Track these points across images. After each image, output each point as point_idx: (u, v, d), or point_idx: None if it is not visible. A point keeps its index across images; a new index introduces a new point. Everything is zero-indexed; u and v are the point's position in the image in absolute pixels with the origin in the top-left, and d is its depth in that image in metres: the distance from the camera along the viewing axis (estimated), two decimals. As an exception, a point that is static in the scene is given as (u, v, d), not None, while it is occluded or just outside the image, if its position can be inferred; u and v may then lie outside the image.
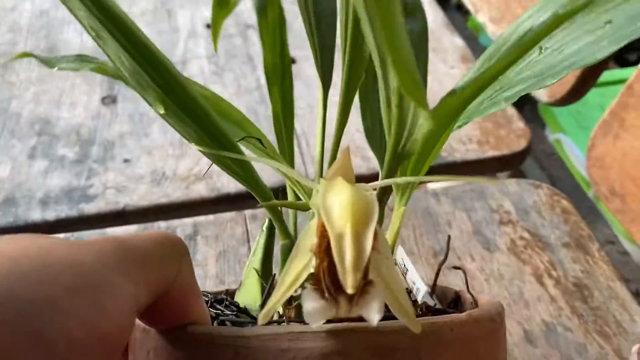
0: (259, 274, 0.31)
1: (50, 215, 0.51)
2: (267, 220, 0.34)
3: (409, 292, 0.30)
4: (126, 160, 0.57)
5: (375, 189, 0.22)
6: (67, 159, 0.57)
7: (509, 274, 0.47)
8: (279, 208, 0.24)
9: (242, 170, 0.23)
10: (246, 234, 0.50)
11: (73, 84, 0.67)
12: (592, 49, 0.18)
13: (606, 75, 0.84)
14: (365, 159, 0.57)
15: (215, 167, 0.59)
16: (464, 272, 0.30)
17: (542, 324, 0.43)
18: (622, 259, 0.56)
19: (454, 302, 0.31)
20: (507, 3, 0.67)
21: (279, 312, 0.27)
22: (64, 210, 0.52)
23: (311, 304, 0.19)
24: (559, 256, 0.48)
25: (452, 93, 0.18)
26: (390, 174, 0.23)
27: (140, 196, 0.53)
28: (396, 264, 0.31)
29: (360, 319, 0.19)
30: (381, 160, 0.32)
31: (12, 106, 0.63)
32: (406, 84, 0.15)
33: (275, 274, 0.31)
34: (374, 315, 0.19)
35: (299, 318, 0.25)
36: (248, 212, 0.51)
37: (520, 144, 0.56)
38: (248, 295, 0.31)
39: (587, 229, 0.50)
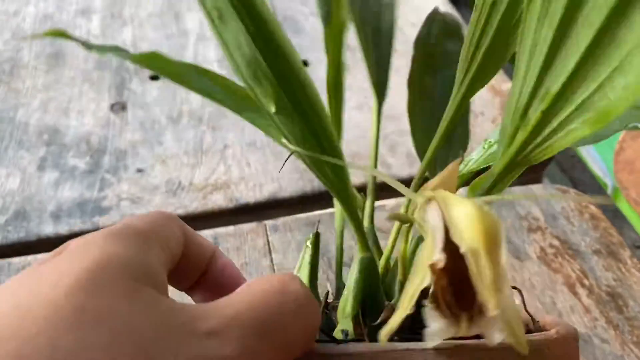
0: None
1: (63, 229, 0.50)
2: (311, 235, 0.32)
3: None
4: (140, 170, 0.55)
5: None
6: (78, 169, 0.55)
7: (540, 283, 0.45)
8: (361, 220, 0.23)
9: (336, 177, 0.22)
10: (267, 245, 0.48)
11: (81, 90, 0.65)
12: None
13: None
14: (385, 166, 0.56)
15: (233, 175, 0.57)
16: (520, 292, 0.29)
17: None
18: (651, 264, 0.54)
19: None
20: None
21: (345, 331, 0.25)
22: (77, 224, 0.50)
23: (434, 323, 0.18)
24: (591, 264, 0.47)
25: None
26: (498, 180, 0.21)
27: (156, 207, 0.51)
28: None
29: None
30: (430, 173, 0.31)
31: (19, 115, 0.61)
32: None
33: (328, 291, 0.30)
34: (495, 335, 0.18)
35: (371, 336, 0.24)
36: (269, 223, 0.49)
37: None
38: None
39: (617, 235, 0.49)
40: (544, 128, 0.19)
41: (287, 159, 0.29)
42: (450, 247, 0.18)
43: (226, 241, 0.48)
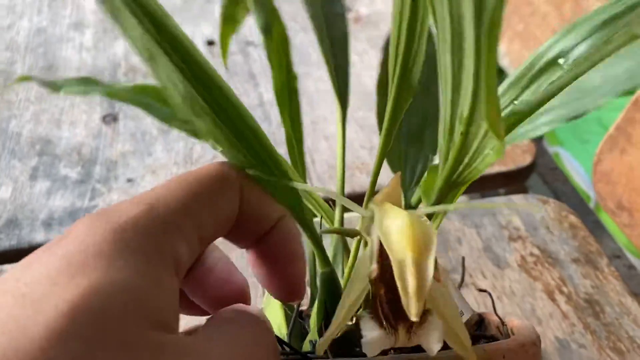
0: (282, 301, 0.31)
1: (55, 236, 0.50)
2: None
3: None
4: (130, 180, 0.56)
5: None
6: (70, 179, 0.56)
7: (520, 290, 0.46)
8: (320, 235, 0.24)
9: (288, 196, 0.22)
10: (255, 253, 0.49)
11: (72, 103, 0.66)
12: (635, 73, 0.18)
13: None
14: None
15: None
16: (490, 295, 0.30)
17: (556, 341, 0.43)
18: (629, 272, 0.56)
19: (477, 324, 0.31)
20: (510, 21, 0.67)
21: (313, 341, 0.26)
22: (68, 232, 0.51)
23: (370, 333, 0.19)
24: (569, 272, 0.48)
25: (505, 119, 0.18)
26: (438, 200, 0.22)
27: (146, 216, 0.52)
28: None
29: (414, 349, 0.19)
30: (403, 184, 0.32)
31: (12, 126, 0.62)
32: (490, 115, 0.15)
33: (299, 303, 0.30)
34: (434, 345, 0.19)
35: (335, 348, 0.25)
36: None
37: (526, 160, 0.56)
38: (271, 323, 0.30)
39: (595, 244, 0.50)
40: (468, 150, 0.20)
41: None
42: (383, 259, 0.19)
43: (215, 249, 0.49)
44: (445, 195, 0.22)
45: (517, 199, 0.53)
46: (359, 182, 0.56)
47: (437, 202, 0.23)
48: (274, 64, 0.23)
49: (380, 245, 0.19)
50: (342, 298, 0.19)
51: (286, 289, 0.22)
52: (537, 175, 0.64)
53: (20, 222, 0.52)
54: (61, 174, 0.57)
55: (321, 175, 0.58)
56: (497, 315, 0.29)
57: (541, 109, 0.20)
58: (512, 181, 0.58)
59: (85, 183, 0.56)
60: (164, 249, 0.17)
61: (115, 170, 0.57)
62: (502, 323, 0.29)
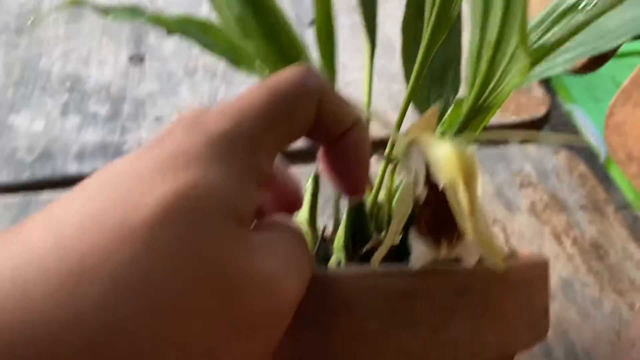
0: (308, 225, 0.33)
1: (87, 168, 0.53)
2: (310, 179, 0.35)
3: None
4: (158, 119, 0.58)
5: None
6: (100, 116, 0.58)
7: (529, 233, 0.49)
8: None
9: None
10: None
11: (100, 42, 0.67)
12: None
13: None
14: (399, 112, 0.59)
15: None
16: (505, 230, 0.32)
17: (560, 280, 0.46)
18: (635, 224, 0.58)
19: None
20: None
21: (338, 260, 0.29)
22: (100, 165, 0.53)
23: (418, 249, 0.21)
24: (577, 218, 0.50)
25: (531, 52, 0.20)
26: (463, 127, 0.24)
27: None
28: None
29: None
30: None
31: (42, 63, 0.64)
32: (523, 38, 0.17)
33: (325, 226, 0.33)
34: (471, 257, 0.21)
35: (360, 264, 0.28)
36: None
37: (540, 111, 0.58)
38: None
39: (603, 193, 0.52)
40: (494, 75, 0.22)
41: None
42: (430, 183, 0.22)
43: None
44: (470, 121, 0.24)
45: (530, 147, 0.55)
46: (377, 129, 0.58)
47: (462, 129, 0.25)
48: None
49: (427, 171, 0.21)
50: (392, 221, 0.21)
51: (350, 188, 0.23)
52: (550, 128, 0.66)
53: (53, 155, 0.54)
54: (91, 110, 0.59)
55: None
56: (508, 246, 0.32)
57: (559, 50, 0.22)
58: (526, 131, 0.59)
59: (115, 120, 0.58)
60: (250, 163, 0.18)
61: (143, 109, 0.59)
62: (514, 253, 0.31)
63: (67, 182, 0.52)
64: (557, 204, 0.51)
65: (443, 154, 0.21)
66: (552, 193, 0.52)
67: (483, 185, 0.52)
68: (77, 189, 0.17)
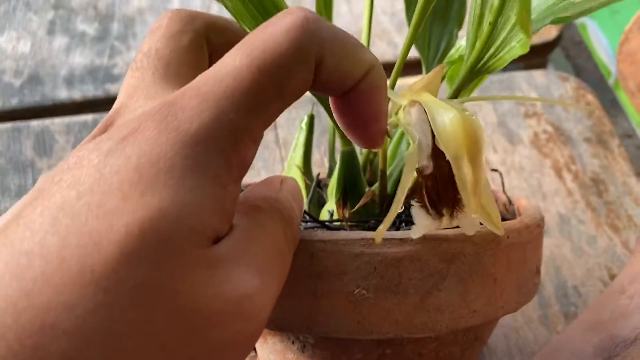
0: (301, 171, 0.32)
1: (77, 95, 0.51)
2: (306, 118, 0.34)
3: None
4: (148, 39, 0.56)
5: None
6: (88, 35, 0.56)
7: (529, 166, 0.48)
8: None
9: None
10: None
11: (85, -49, 0.63)
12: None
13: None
14: (391, 45, 0.56)
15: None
16: (501, 175, 0.31)
17: (557, 216, 0.45)
18: (637, 152, 0.57)
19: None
20: None
21: (330, 211, 0.28)
22: (90, 90, 0.52)
23: (420, 219, 0.20)
24: (579, 150, 0.49)
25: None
26: (461, 86, 0.23)
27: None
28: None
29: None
30: (426, 61, 0.32)
31: (24, -25, 0.61)
32: (522, 14, 0.15)
33: (319, 173, 0.32)
34: (472, 228, 0.20)
35: (352, 218, 0.27)
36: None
37: (552, 34, 0.55)
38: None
39: (609, 124, 0.51)
40: (495, 40, 0.20)
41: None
42: (434, 151, 0.20)
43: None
44: (469, 82, 0.23)
45: (537, 74, 0.53)
46: (379, 50, 0.55)
47: (460, 88, 0.23)
48: None
49: (433, 141, 0.20)
50: (398, 190, 0.21)
51: (366, 141, 0.21)
52: (561, 49, 0.63)
53: (42, 79, 0.52)
54: (79, 29, 0.56)
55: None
56: (505, 193, 0.31)
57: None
58: (535, 55, 0.57)
59: (104, 40, 0.55)
60: (231, 160, 0.17)
61: (133, 28, 0.56)
62: (510, 202, 0.31)
63: (57, 108, 0.51)
64: (561, 135, 0.50)
65: (448, 124, 0.20)
66: (557, 124, 0.50)
67: (485, 116, 0.51)
68: (38, 205, 0.16)
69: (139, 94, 0.20)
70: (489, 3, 0.19)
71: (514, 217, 0.29)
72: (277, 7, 0.20)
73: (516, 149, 0.49)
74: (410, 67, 0.32)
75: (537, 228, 0.26)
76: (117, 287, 0.14)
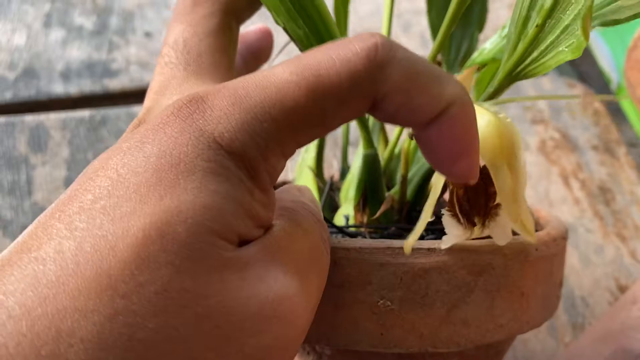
0: (314, 172, 0.31)
1: (73, 90, 0.50)
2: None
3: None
4: (147, 34, 0.54)
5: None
6: (85, 29, 0.54)
7: (536, 173, 0.47)
8: (366, 115, 0.23)
9: None
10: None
11: (83, -58, 0.61)
12: None
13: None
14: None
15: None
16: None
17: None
18: (643, 161, 0.57)
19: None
20: None
21: (346, 216, 0.27)
22: (87, 85, 0.50)
23: (452, 229, 0.19)
24: (586, 158, 0.48)
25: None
26: (496, 92, 0.22)
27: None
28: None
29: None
30: (446, 64, 0.31)
31: (20, -35, 0.59)
32: (585, 17, 0.14)
33: (332, 176, 0.31)
34: (503, 238, 0.19)
35: (371, 224, 0.26)
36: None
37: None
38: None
39: (616, 132, 0.50)
40: (540, 43, 0.19)
41: (280, 50, 0.29)
42: None
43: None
44: (505, 87, 0.22)
45: (544, 81, 0.52)
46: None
47: (497, 92, 0.22)
48: None
49: None
50: (428, 199, 0.20)
51: (454, 176, 0.18)
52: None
53: (37, 72, 0.51)
54: (76, 22, 0.54)
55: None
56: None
57: None
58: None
59: (102, 34, 0.54)
60: (259, 166, 0.16)
61: (132, 22, 0.55)
62: (530, 213, 0.30)
63: (53, 103, 0.49)
64: (568, 143, 0.49)
65: (485, 128, 0.19)
66: (564, 131, 0.50)
67: (493, 121, 0.50)
68: (57, 211, 0.15)
69: (171, 90, 0.19)
70: (537, 4, 0.18)
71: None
72: (314, 4, 0.19)
73: (523, 155, 0.48)
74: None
75: (562, 240, 0.25)
76: (136, 292, 0.13)
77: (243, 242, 0.16)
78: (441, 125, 0.17)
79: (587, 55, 0.64)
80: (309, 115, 0.16)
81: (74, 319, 0.13)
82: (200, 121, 0.15)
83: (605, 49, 0.87)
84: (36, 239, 0.14)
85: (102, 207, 0.14)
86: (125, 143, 0.16)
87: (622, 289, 0.42)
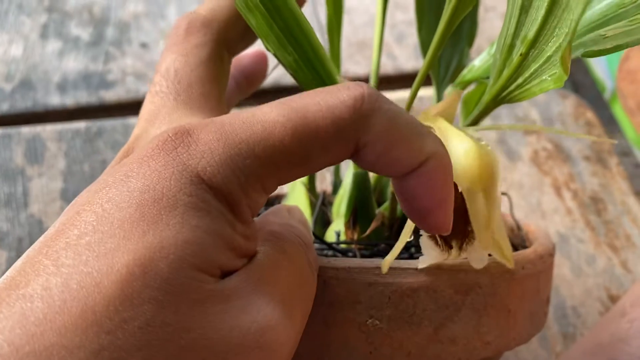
0: (306, 188, 0.31)
1: (70, 101, 0.50)
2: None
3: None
4: (143, 45, 0.55)
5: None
6: (82, 40, 0.54)
7: (529, 184, 0.48)
8: None
9: None
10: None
11: (79, -47, 0.62)
12: None
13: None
14: (391, 57, 0.56)
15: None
16: (509, 198, 0.31)
17: (556, 235, 0.45)
18: (635, 171, 0.57)
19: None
20: None
21: (337, 232, 0.28)
22: (83, 97, 0.50)
23: (429, 251, 0.20)
24: (579, 169, 0.49)
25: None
26: (481, 115, 0.22)
27: (162, 85, 0.51)
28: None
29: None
30: (436, 79, 0.32)
31: (17, -24, 0.59)
32: (564, 55, 0.15)
33: (324, 191, 0.31)
34: (480, 262, 0.20)
35: (361, 241, 0.26)
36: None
37: (551, 50, 0.55)
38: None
39: (608, 143, 0.51)
40: (524, 71, 0.19)
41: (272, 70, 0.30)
42: None
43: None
44: (490, 110, 0.22)
45: (537, 91, 0.53)
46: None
47: (481, 115, 0.23)
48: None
49: None
50: (408, 219, 0.20)
51: (428, 227, 0.19)
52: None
53: (34, 84, 0.51)
54: (72, 34, 0.55)
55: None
56: (513, 218, 0.31)
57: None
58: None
59: (98, 45, 0.54)
60: (240, 200, 0.16)
61: (128, 33, 0.55)
62: (518, 227, 0.30)
63: (49, 115, 0.49)
64: (561, 153, 0.50)
65: (463, 155, 0.19)
66: (557, 141, 0.50)
67: (485, 132, 0.50)
68: (44, 247, 0.15)
69: (160, 120, 0.19)
70: (521, 35, 0.18)
71: (522, 242, 0.29)
72: (303, 31, 0.19)
73: (516, 166, 0.49)
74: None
75: (549, 257, 0.25)
76: (120, 328, 0.14)
77: (226, 273, 0.16)
78: (419, 177, 0.17)
79: (581, 64, 0.65)
80: (292, 155, 0.16)
81: (60, 356, 0.13)
82: (184, 155, 0.16)
83: (600, 57, 0.87)
84: (24, 275, 0.15)
85: (88, 243, 0.15)
86: (111, 177, 0.16)
87: (614, 299, 0.42)
